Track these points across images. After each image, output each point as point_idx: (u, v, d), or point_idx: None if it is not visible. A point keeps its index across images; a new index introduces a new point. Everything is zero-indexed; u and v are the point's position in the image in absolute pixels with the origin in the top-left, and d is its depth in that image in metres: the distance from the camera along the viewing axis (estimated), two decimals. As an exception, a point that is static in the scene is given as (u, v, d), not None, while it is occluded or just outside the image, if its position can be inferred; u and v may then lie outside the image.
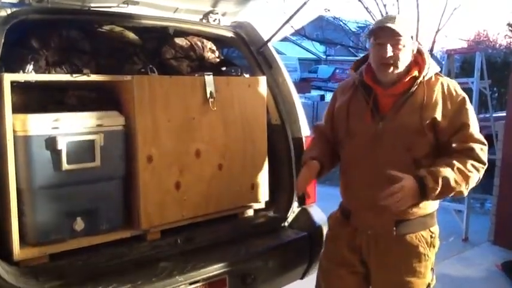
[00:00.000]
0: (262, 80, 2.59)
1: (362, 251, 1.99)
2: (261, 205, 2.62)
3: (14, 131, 1.87)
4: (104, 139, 2.05)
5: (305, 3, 2.54)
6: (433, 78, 1.92)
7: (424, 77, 1.89)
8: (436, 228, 1.98)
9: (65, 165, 1.95)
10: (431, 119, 1.84)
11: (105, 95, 2.26)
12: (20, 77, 1.96)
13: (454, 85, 1.94)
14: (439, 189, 1.77)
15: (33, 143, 1.89)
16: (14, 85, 1.92)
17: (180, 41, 2.64)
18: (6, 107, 1.84)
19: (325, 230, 2.56)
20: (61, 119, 1.96)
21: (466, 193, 1.87)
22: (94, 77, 2.12)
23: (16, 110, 1.91)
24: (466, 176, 1.80)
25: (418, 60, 1.92)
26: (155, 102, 2.16)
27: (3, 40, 1.92)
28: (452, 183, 1.78)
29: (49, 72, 2.13)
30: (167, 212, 2.23)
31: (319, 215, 2.61)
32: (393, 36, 1.83)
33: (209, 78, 2.34)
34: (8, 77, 1.86)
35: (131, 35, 2.57)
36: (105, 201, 2.10)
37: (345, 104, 2.02)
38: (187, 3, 2.69)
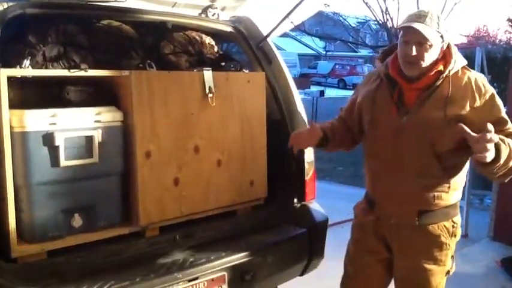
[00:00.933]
0: (262, 76, 2.57)
1: (386, 239, 2.03)
2: (260, 201, 2.61)
3: (11, 127, 1.86)
4: (101, 135, 2.04)
5: (304, -2, 2.52)
6: (460, 72, 1.91)
7: (449, 71, 1.88)
8: (458, 218, 2.01)
9: (63, 162, 1.94)
10: (456, 114, 1.83)
11: (103, 91, 2.24)
12: (16, 72, 1.95)
13: (482, 79, 1.92)
14: (507, 154, 1.73)
15: (30, 139, 1.88)
16: (11, 80, 1.90)
17: (179, 36, 2.62)
18: (3, 103, 1.83)
19: (325, 226, 2.57)
20: (58, 115, 1.94)
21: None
22: (92, 72, 2.10)
23: (13, 105, 1.90)
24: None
25: (445, 54, 1.91)
26: (153, 97, 2.14)
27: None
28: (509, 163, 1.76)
29: (46, 68, 2.11)
30: (166, 208, 2.21)
31: (318, 211, 2.60)
32: (420, 38, 1.81)
33: (208, 74, 2.32)
34: (5, 72, 1.85)
35: (129, 30, 2.55)
36: (103, 198, 2.09)
37: (371, 95, 2.02)
38: (185, -2, 2.67)
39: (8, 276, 1.75)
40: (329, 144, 2.08)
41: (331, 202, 2.68)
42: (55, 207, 1.96)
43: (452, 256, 2.01)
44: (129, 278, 1.88)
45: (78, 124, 1.99)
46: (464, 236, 4.71)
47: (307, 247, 2.44)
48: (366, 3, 11.87)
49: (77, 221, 2.02)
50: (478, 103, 1.85)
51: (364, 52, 33.19)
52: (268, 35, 2.73)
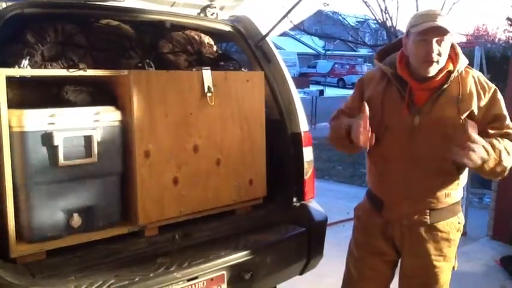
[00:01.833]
0: (261, 75, 2.57)
1: (395, 240, 2.03)
2: (259, 200, 2.61)
3: (10, 127, 1.86)
4: (100, 135, 2.04)
5: (303, -3, 2.51)
6: (464, 72, 1.94)
7: (458, 71, 1.91)
8: (461, 214, 2.05)
9: (62, 161, 1.94)
10: (468, 112, 1.87)
11: (101, 90, 2.24)
12: (15, 72, 1.94)
13: (483, 77, 1.97)
14: (494, 157, 1.77)
15: (29, 139, 1.88)
16: (10, 80, 1.90)
17: (178, 35, 2.62)
18: (2, 103, 1.83)
19: (324, 225, 2.57)
20: (57, 115, 1.94)
21: (506, 171, 1.87)
22: (90, 72, 2.10)
23: (12, 105, 1.89)
24: (509, 153, 1.83)
25: (451, 54, 1.93)
26: (152, 97, 2.14)
27: (-2, 34, 1.90)
28: (503, 156, 1.80)
29: (45, 67, 2.11)
30: (165, 207, 2.21)
31: (318, 210, 2.60)
32: (439, 34, 1.82)
33: (207, 73, 2.32)
34: (4, 72, 1.85)
35: (128, 29, 2.55)
36: (102, 197, 2.09)
37: (379, 96, 2.00)
38: (184, -3, 2.67)
39: (7, 276, 1.74)
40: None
41: (330, 201, 2.69)
42: (54, 207, 1.96)
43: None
44: (128, 277, 1.88)
45: (77, 124, 1.99)
46: (464, 234, 4.71)
47: (307, 246, 2.44)
48: (365, 3, 11.84)
49: (76, 220, 2.02)
50: (483, 100, 1.90)
51: (363, 51, 33.19)
52: (267, 34, 2.72)
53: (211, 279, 2.06)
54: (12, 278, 1.75)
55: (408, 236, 1.99)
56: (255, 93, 2.53)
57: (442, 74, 1.90)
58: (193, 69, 2.39)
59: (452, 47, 1.93)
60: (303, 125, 2.62)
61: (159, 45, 2.57)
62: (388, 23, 12.17)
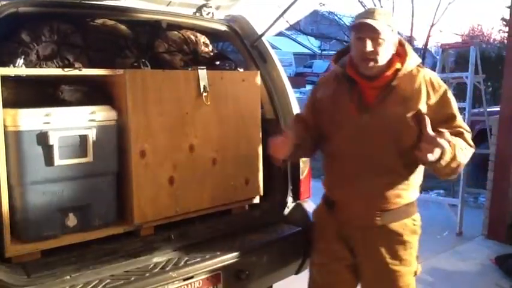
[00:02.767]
0: (257, 75, 2.57)
1: (349, 243, 2.03)
2: (255, 200, 2.61)
3: (5, 126, 1.85)
4: (96, 134, 2.03)
5: (299, -3, 2.51)
6: (415, 70, 1.95)
7: (406, 69, 1.91)
8: (418, 216, 2.06)
9: (57, 161, 1.93)
10: (416, 110, 1.87)
11: (97, 90, 2.24)
12: (10, 71, 1.94)
13: (435, 76, 1.98)
14: (452, 156, 1.78)
15: (24, 138, 1.87)
16: (5, 79, 1.90)
17: (173, 34, 2.62)
18: (-4, 102, 1.82)
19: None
20: (53, 114, 1.94)
21: (461, 169, 1.89)
22: (86, 71, 2.10)
23: (7, 104, 1.89)
24: (462, 153, 1.86)
25: (400, 52, 1.94)
26: (148, 96, 2.14)
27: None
28: (457, 153, 1.81)
29: (40, 66, 2.10)
30: (161, 207, 2.21)
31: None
32: (373, 32, 1.84)
33: (203, 73, 2.32)
34: (-2, 71, 1.84)
35: (124, 29, 2.55)
36: (98, 197, 2.08)
37: (329, 96, 2.02)
38: (180, -3, 2.67)
39: (2, 276, 1.74)
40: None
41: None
42: (49, 207, 1.95)
43: (417, 256, 2.04)
44: (123, 277, 1.87)
45: (72, 123, 1.99)
46: (459, 234, 4.74)
47: (302, 246, 2.43)
48: (361, 3, 11.90)
49: (72, 220, 2.02)
50: (432, 99, 1.91)
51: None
52: (263, 34, 2.72)
53: (207, 278, 2.06)
54: (7, 278, 1.74)
55: (361, 238, 1.98)
56: (251, 92, 2.53)
57: (390, 71, 1.90)
58: (189, 69, 2.39)
59: (402, 45, 1.95)
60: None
61: (154, 45, 2.56)
62: (384, 23, 12.18)
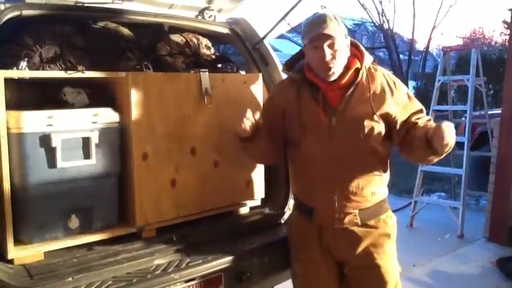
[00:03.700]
0: (258, 77, 2.58)
1: (331, 249, 2.04)
2: (256, 202, 2.61)
3: (8, 128, 1.86)
4: (98, 136, 2.04)
5: (301, 0, 2.52)
6: (372, 69, 1.99)
7: (365, 67, 1.96)
8: (391, 212, 2.10)
9: (60, 163, 1.94)
10: (382, 107, 1.93)
11: (100, 92, 2.24)
12: (13, 73, 1.94)
13: (392, 75, 2.05)
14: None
15: (27, 140, 1.88)
16: (8, 82, 1.90)
17: (176, 37, 2.63)
18: (0, 104, 1.83)
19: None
20: (55, 116, 1.94)
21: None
22: (89, 74, 2.10)
23: (10, 106, 1.90)
24: None
25: (355, 53, 1.98)
26: (150, 99, 2.15)
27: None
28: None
29: (43, 69, 2.11)
30: (162, 209, 2.22)
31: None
32: (328, 39, 1.87)
33: (204, 75, 2.33)
34: (2, 74, 1.84)
35: (126, 31, 2.56)
36: (100, 199, 2.09)
37: (293, 102, 2.03)
38: (182, 0, 2.68)
39: (5, 277, 1.74)
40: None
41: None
42: (52, 209, 1.96)
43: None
44: (125, 278, 1.88)
45: (75, 125, 1.99)
46: (460, 236, 4.74)
47: (304, 248, 2.44)
48: (363, 5, 11.93)
49: (74, 222, 2.02)
50: (396, 95, 1.97)
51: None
52: (264, 37, 2.73)
53: (209, 280, 2.06)
54: (10, 280, 1.75)
55: (344, 240, 2.00)
56: (253, 95, 2.53)
57: (351, 71, 1.94)
58: (191, 71, 2.39)
59: (355, 45, 2.00)
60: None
61: (157, 47, 2.57)
62: (385, 26, 12.23)
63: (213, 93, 2.34)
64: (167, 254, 2.08)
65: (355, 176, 1.95)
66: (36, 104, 2.08)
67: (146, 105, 2.13)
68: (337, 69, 1.91)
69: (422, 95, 12.08)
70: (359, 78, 1.94)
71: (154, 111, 2.16)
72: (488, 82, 8.67)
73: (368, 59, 1.98)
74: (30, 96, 2.17)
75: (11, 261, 1.86)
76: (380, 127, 1.94)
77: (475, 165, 5.75)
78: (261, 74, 2.61)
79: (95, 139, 2.03)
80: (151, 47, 2.58)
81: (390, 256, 2.02)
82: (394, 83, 2.00)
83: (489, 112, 5.73)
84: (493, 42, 23.79)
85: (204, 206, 2.38)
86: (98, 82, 2.22)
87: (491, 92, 11.34)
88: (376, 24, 12.34)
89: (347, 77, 1.94)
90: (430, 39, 13.98)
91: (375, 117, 1.91)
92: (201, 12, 2.79)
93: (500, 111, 4.77)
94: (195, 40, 2.68)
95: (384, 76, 2.00)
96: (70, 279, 1.81)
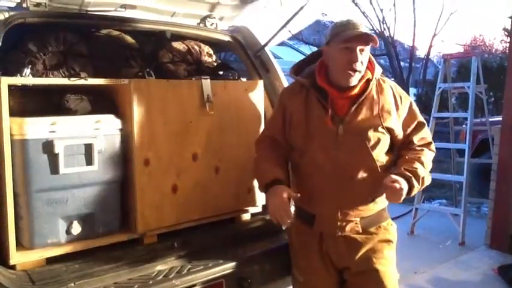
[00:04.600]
0: (259, 84, 2.60)
1: (331, 256, 2.04)
2: (258, 208, 2.62)
3: (11, 135, 1.87)
4: (101, 143, 2.05)
5: (302, 8, 2.55)
6: (381, 80, 2.01)
7: (375, 79, 1.97)
8: (391, 220, 2.11)
9: (62, 169, 1.95)
10: (389, 119, 1.94)
11: (102, 99, 2.26)
12: (17, 80, 1.97)
13: (399, 88, 2.07)
14: (419, 188, 1.94)
15: (30, 147, 1.89)
16: (12, 89, 1.92)
17: (178, 45, 2.65)
18: (3, 111, 1.84)
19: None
20: (58, 123, 1.96)
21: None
22: (91, 81, 2.13)
23: (13, 113, 1.91)
24: (428, 168, 2.00)
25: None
26: (152, 105, 2.16)
27: (0, 44, 1.92)
28: (426, 181, 1.97)
29: (46, 76, 2.13)
30: (164, 215, 2.22)
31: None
32: (364, 43, 1.87)
33: (206, 82, 2.34)
34: (6, 81, 1.86)
35: (128, 39, 2.58)
36: (102, 205, 2.10)
37: (300, 108, 2.01)
38: (184, 8, 2.70)
39: (7, 283, 1.75)
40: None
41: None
42: (54, 214, 1.97)
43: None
44: (127, 284, 1.88)
45: (77, 132, 2.01)
46: (461, 243, 4.73)
47: (305, 254, 2.44)
48: (363, 13, 11.98)
49: (76, 228, 2.03)
50: (401, 110, 1.99)
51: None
52: (266, 44, 2.76)
53: (210, 286, 2.07)
54: (12, 285, 1.75)
55: (345, 247, 2.00)
56: (254, 102, 2.55)
57: (362, 82, 1.94)
58: (193, 79, 2.41)
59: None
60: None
61: (159, 55, 2.59)
62: (386, 33, 12.27)
63: (215, 100, 2.35)
64: (169, 260, 2.09)
65: (358, 185, 1.94)
66: (39, 111, 2.10)
67: (148, 112, 2.15)
68: (360, 74, 1.91)
69: (423, 102, 12.11)
70: (369, 89, 1.94)
71: (156, 118, 2.17)
72: (489, 89, 8.69)
73: (378, 70, 1.99)
74: (33, 103, 2.19)
75: (13, 267, 1.87)
76: (385, 139, 1.96)
77: (476, 172, 5.75)
78: (262, 81, 2.63)
79: (97, 145, 2.04)
80: (153, 54, 2.61)
81: (389, 261, 2.02)
82: (400, 97, 2.01)
83: (490, 119, 5.74)
84: (494, 49, 23.83)
85: (205, 212, 2.38)
86: (101, 89, 2.24)
87: (492, 99, 11.36)
88: (377, 31, 12.38)
89: (359, 87, 1.94)
90: (430, 46, 14.03)
91: (382, 129, 1.93)
92: (203, 20, 2.81)
93: (500, 119, 4.78)
94: (196, 48, 2.70)
95: (391, 89, 2.01)
96: (72, 284, 1.82)
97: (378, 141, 1.93)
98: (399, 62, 13.94)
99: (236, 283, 2.14)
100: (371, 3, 11.70)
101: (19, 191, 1.90)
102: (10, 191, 1.86)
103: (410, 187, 1.89)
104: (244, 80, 2.70)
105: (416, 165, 1.92)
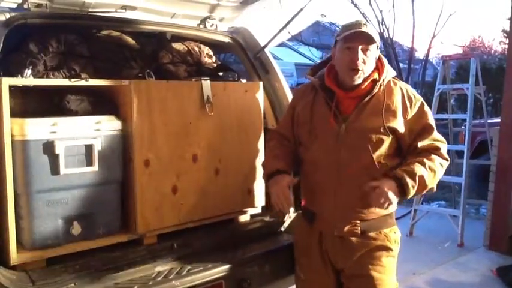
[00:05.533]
0: (259, 85, 2.60)
1: (330, 256, 2.03)
2: (257, 210, 2.62)
3: (12, 135, 1.88)
4: (101, 143, 2.06)
5: (302, 9, 2.55)
6: (392, 83, 2.00)
7: (383, 80, 1.96)
8: (397, 227, 2.06)
9: (63, 170, 1.96)
10: (393, 121, 1.92)
11: (103, 100, 2.27)
12: (18, 81, 1.97)
13: (411, 90, 2.03)
14: (416, 187, 1.86)
15: (31, 148, 1.90)
16: (12, 89, 1.93)
17: (178, 46, 2.66)
18: (4, 111, 1.85)
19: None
20: (59, 124, 1.96)
21: (435, 189, 1.97)
22: (92, 82, 2.13)
23: (14, 114, 1.92)
24: (435, 173, 1.92)
25: (377, 65, 1.99)
26: (152, 106, 2.17)
27: (1, 44, 1.93)
28: (427, 181, 1.89)
29: (47, 77, 2.14)
30: (164, 216, 2.23)
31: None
32: (364, 42, 1.88)
33: (206, 83, 2.35)
34: (7, 81, 1.87)
35: (129, 40, 2.58)
36: (102, 206, 2.10)
37: (307, 107, 2.04)
38: (184, 9, 2.71)
39: (7, 283, 1.75)
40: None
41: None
42: (54, 215, 1.98)
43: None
44: (127, 285, 1.89)
45: (78, 133, 2.01)
46: (460, 245, 4.74)
47: (304, 255, 2.44)
48: (363, 14, 11.98)
49: (76, 228, 2.04)
50: (410, 112, 1.96)
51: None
52: (265, 46, 2.76)
53: (210, 287, 2.07)
54: (12, 286, 1.76)
55: (341, 248, 1.99)
56: (254, 103, 2.56)
57: (367, 82, 1.94)
58: (193, 80, 2.42)
59: (379, 58, 1.99)
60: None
61: (159, 56, 2.60)
62: (385, 35, 12.28)
63: (215, 101, 2.36)
64: (168, 260, 2.09)
65: (358, 186, 1.90)
66: (40, 112, 2.10)
67: (148, 113, 2.15)
68: (363, 74, 1.91)
69: (422, 104, 12.06)
70: (375, 90, 1.93)
71: (156, 119, 2.18)
72: (488, 91, 8.71)
73: (388, 73, 1.98)
74: (34, 103, 2.19)
75: (13, 267, 1.88)
76: (388, 141, 1.92)
77: (475, 173, 5.77)
78: (261, 82, 2.64)
79: (97, 146, 2.05)
80: (153, 55, 2.61)
81: (387, 270, 1.98)
82: (410, 99, 1.97)
83: (489, 121, 5.75)
84: (493, 51, 23.88)
85: (205, 213, 2.39)
86: (101, 90, 2.25)
87: (491, 100, 11.37)
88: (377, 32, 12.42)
89: (364, 87, 1.95)
90: (429, 48, 14.03)
91: (384, 130, 1.91)
92: (203, 21, 2.82)
93: (499, 120, 4.78)
94: (197, 49, 2.71)
95: (401, 91, 1.98)
96: (72, 285, 1.82)
97: (380, 142, 1.92)
98: (398, 63, 13.94)
99: (236, 284, 2.14)
100: (370, 4, 11.70)
101: (20, 191, 1.91)
102: (11, 192, 1.87)
103: (404, 187, 1.84)
104: (244, 81, 2.70)
105: (415, 165, 1.88)
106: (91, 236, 2.08)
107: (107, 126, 2.10)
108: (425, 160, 1.90)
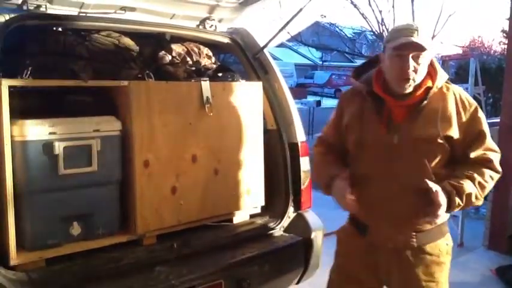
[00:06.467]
0: (258, 86, 2.61)
1: (379, 268, 1.94)
2: (256, 210, 2.63)
3: (12, 136, 1.89)
4: (100, 144, 2.07)
5: (301, 10, 2.56)
6: (444, 88, 1.88)
7: (437, 87, 1.85)
8: (449, 236, 1.99)
9: (62, 170, 1.97)
10: (449, 130, 1.81)
11: (102, 100, 2.27)
12: (17, 82, 1.98)
13: (465, 94, 1.92)
14: (462, 205, 1.79)
15: (30, 148, 1.91)
16: (12, 90, 1.93)
17: (177, 46, 2.66)
18: (4, 112, 1.86)
19: (321, 235, 2.59)
20: (58, 124, 1.97)
21: (481, 204, 1.90)
22: (91, 83, 2.14)
23: (14, 115, 1.92)
24: (484, 188, 1.84)
25: (429, 70, 1.87)
26: (152, 107, 2.17)
27: (1, 45, 1.93)
28: (473, 199, 1.80)
29: (46, 78, 2.14)
30: (163, 216, 2.24)
31: (314, 220, 2.61)
32: (416, 49, 1.77)
33: (205, 84, 2.36)
34: (6, 82, 1.88)
35: (128, 41, 2.58)
36: (102, 206, 2.11)
37: (357, 115, 1.93)
38: (184, 10, 2.72)
39: (7, 284, 1.76)
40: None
41: (327, 211, 2.69)
42: (54, 216, 1.98)
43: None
44: (126, 285, 1.90)
45: (77, 133, 2.02)
46: (460, 245, 4.73)
47: (303, 255, 2.45)
48: (362, 14, 11.98)
49: (76, 229, 2.04)
50: (463, 118, 1.84)
51: (360, 62, 33.28)
52: (265, 46, 2.76)
53: (209, 287, 2.08)
54: (12, 286, 1.76)
55: (396, 262, 1.90)
56: (253, 103, 2.56)
57: (421, 90, 1.83)
58: (192, 80, 2.42)
59: (431, 63, 1.87)
60: (300, 135, 2.65)
61: (158, 57, 2.60)
62: (385, 35, 12.26)
63: (214, 101, 2.37)
64: (168, 260, 2.10)
65: (413, 196, 1.80)
66: (39, 113, 2.10)
67: (148, 113, 2.16)
68: (414, 83, 1.79)
69: (422, 104, 12.04)
70: (428, 98, 1.82)
71: (155, 120, 2.18)
72: (487, 91, 8.70)
73: (441, 78, 1.86)
74: (33, 104, 2.19)
75: (13, 268, 1.88)
76: (444, 150, 1.82)
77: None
78: (261, 83, 2.64)
79: (96, 147, 2.05)
80: (153, 56, 2.61)
81: (440, 285, 1.92)
82: (463, 103, 1.86)
83: (488, 121, 5.73)
84: (492, 51, 23.91)
85: (204, 213, 2.39)
86: (100, 91, 2.25)
87: (491, 100, 11.36)
88: (376, 33, 12.38)
89: (417, 95, 1.82)
90: (429, 48, 14.03)
91: (440, 139, 1.80)
92: (202, 22, 2.82)
93: (499, 120, 4.78)
94: (196, 49, 2.71)
95: (454, 96, 1.86)
96: (71, 285, 1.83)
97: (436, 152, 1.82)
98: (398, 64, 13.91)
99: (235, 284, 2.15)
100: (370, 4, 11.70)
101: (19, 191, 1.91)
102: (10, 192, 1.87)
103: (450, 203, 1.75)
104: (243, 81, 2.71)
105: (464, 181, 1.78)
106: (91, 236, 2.08)
107: (106, 126, 2.10)
108: (475, 175, 1.81)
